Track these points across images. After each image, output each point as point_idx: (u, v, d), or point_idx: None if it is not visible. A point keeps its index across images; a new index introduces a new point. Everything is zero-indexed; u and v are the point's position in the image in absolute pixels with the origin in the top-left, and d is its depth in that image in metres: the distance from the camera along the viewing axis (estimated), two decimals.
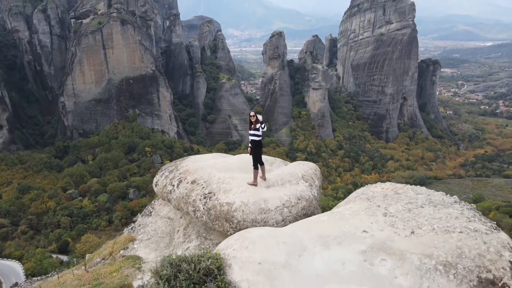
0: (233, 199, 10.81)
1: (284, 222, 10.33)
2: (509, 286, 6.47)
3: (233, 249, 7.41)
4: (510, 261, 6.75)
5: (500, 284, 6.42)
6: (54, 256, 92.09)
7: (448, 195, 9.23)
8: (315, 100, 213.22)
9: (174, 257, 6.97)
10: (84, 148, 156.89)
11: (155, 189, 13.85)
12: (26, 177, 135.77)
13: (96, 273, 11.69)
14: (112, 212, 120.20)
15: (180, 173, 12.70)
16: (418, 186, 9.83)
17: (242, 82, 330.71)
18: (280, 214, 10.31)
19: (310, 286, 6.46)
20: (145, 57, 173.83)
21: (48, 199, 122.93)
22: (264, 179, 12.09)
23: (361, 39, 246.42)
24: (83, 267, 12.37)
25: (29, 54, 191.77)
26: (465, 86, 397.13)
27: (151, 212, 15.04)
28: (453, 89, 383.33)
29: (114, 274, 11.34)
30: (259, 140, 12.04)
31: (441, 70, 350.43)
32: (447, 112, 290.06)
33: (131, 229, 14.91)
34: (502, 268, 6.64)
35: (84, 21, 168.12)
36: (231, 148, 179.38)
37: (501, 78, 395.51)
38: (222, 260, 6.99)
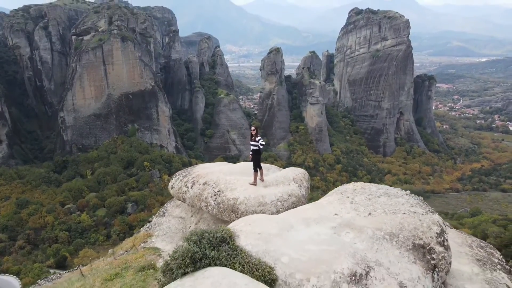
0: (237, 195, 13.33)
1: (278, 213, 12.52)
2: (434, 249, 8.73)
3: (240, 226, 9.80)
4: (437, 233, 9.28)
5: (428, 248, 9.09)
6: (51, 271, 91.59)
7: (403, 190, 11.09)
8: (313, 114, 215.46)
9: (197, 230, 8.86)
10: (83, 163, 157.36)
11: (171, 191, 16.14)
12: (24, 192, 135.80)
13: (124, 259, 13.64)
14: (110, 226, 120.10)
15: (193, 177, 15.09)
16: (382, 185, 11.69)
17: (240, 97, 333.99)
18: (275, 207, 12.84)
19: (294, 246, 8.86)
20: (145, 73, 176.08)
21: (46, 214, 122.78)
22: (262, 180, 14.58)
23: (357, 55, 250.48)
24: (109, 258, 13.72)
25: (29, 70, 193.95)
26: (461, 101, 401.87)
27: (164, 213, 17.31)
28: (449, 104, 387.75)
29: (139, 260, 13.18)
30: (258, 149, 14.57)
31: (437, 85, 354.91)
32: (444, 127, 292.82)
33: (148, 227, 17.00)
34: (431, 237, 9.37)
35: (85, 38, 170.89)
36: (229, 162, 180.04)
37: (496, 93, 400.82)
38: (232, 232, 9.03)
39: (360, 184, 12.52)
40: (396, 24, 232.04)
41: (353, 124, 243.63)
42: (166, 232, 15.64)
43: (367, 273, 8.01)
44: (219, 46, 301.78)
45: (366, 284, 7.80)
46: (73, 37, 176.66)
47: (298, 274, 7.86)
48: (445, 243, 9.36)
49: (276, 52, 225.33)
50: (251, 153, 14.90)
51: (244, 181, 14.29)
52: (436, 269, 8.76)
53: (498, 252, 13.07)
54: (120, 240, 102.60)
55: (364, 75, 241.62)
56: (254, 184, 14.31)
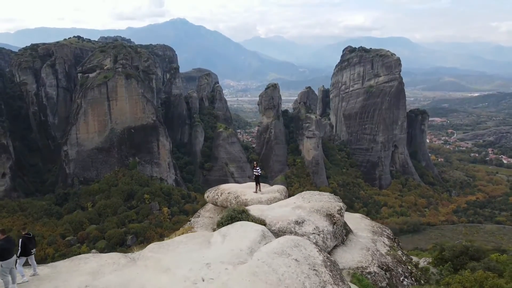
0: (247, 197, 24.99)
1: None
2: (335, 216, 20.22)
3: (250, 207, 21.66)
4: (338, 209, 20.75)
5: (332, 215, 20.20)
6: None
7: (330, 194, 17.40)
8: (309, 148, 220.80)
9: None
10: (84, 195, 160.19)
11: (207, 199, 27.92)
12: (26, 224, 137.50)
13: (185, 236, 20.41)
14: None
15: (221, 190, 26.04)
16: (322, 192, 21.50)
17: (238, 130, 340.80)
18: (266, 203, 24.17)
19: (273, 213, 20.26)
20: (147, 108, 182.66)
21: (46, 246, 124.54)
22: (260, 191, 26.61)
23: (351, 91, 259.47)
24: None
25: (35, 105, 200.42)
26: (455, 134, 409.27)
27: (199, 216, 27.16)
28: (444, 138, 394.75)
29: None
30: (258, 174, 27.45)
31: (431, 119, 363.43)
32: (439, 160, 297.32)
33: (189, 224, 26.37)
34: (334, 211, 20.54)
35: (91, 75, 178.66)
36: None
37: (489, 127, 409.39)
38: (247, 209, 17.84)
39: (308, 191, 25.44)
40: (388, 62, 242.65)
41: (349, 157, 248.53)
42: (202, 225, 25.56)
43: (303, 222, 18.89)
44: (218, 82, 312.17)
45: (302, 225, 18.59)
46: (79, 74, 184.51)
47: (274, 221, 18.60)
48: (341, 214, 20.97)
49: (273, 88, 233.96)
50: (254, 176, 27.50)
51: (250, 191, 26.73)
52: (335, 224, 19.88)
53: (389, 231, 25.01)
54: None
55: (359, 109, 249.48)
56: (256, 192, 26.22)
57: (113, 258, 15.67)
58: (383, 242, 22.06)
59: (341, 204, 21.49)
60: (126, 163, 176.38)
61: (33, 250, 14.75)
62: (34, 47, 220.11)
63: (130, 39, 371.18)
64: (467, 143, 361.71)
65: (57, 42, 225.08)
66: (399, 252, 21.53)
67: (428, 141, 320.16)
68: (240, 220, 18.10)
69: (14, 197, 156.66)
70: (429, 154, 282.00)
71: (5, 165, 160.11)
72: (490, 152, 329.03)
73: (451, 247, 22.76)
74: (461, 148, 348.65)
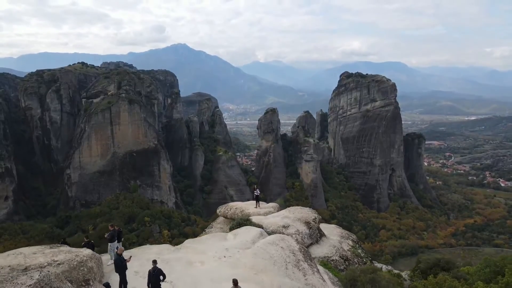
0: (250, 211, 33.68)
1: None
2: (311, 223, 26.47)
3: (252, 217, 31.86)
4: (313, 218, 30.85)
5: (309, 222, 30.07)
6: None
7: (309, 208, 22.01)
8: (308, 171, 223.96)
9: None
10: (85, 218, 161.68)
11: (219, 213, 36.78)
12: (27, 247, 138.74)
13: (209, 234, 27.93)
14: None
15: (230, 207, 32.84)
16: (303, 207, 27.79)
17: (238, 154, 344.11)
18: (264, 215, 32.76)
19: (268, 221, 30.20)
20: (149, 133, 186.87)
21: None
22: (259, 206, 35.41)
23: (349, 115, 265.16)
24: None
25: (39, 129, 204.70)
26: (453, 157, 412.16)
27: (212, 227, 34.30)
28: (441, 161, 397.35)
29: None
30: (258, 195, 36.70)
31: (429, 142, 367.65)
32: (437, 183, 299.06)
33: (204, 233, 32.79)
34: (310, 219, 30.11)
35: (95, 100, 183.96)
36: None
37: (486, 150, 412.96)
38: (250, 218, 24.72)
39: (294, 206, 33.47)
40: (383, 87, 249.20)
41: (347, 180, 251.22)
42: (215, 233, 31.98)
43: (288, 226, 28.22)
44: (218, 107, 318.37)
45: (287, 228, 27.80)
46: (83, 99, 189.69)
47: (268, 225, 27.56)
48: (316, 221, 30.41)
49: (272, 112, 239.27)
50: (254, 196, 36.54)
51: (252, 207, 35.37)
52: (311, 228, 29.06)
53: (354, 236, 34.28)
54: None
55: (356, 133, 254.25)
56: (256, 208, 34.71)
57: (166, 246, 25.88)
58: (348, 243, 31.46)
59: (316, 215, 30.57)
60: (127, 186, 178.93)
61: (122, 239, 24.16)
62: (39, 73, 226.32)
63: (132, 64, 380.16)
64: (465, 166, 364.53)
65: (62, 68, 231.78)
66: (359, 251, 31.05)
67: (426, 164, 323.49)
68: (245, 225, 27.14)
69: (16, 220, 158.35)
70: (427, 177, 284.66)
71: (8, 188, 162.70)
72: (487, 175, 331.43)
73: (426, 259, 26.16)
74: (459, 171, 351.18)
